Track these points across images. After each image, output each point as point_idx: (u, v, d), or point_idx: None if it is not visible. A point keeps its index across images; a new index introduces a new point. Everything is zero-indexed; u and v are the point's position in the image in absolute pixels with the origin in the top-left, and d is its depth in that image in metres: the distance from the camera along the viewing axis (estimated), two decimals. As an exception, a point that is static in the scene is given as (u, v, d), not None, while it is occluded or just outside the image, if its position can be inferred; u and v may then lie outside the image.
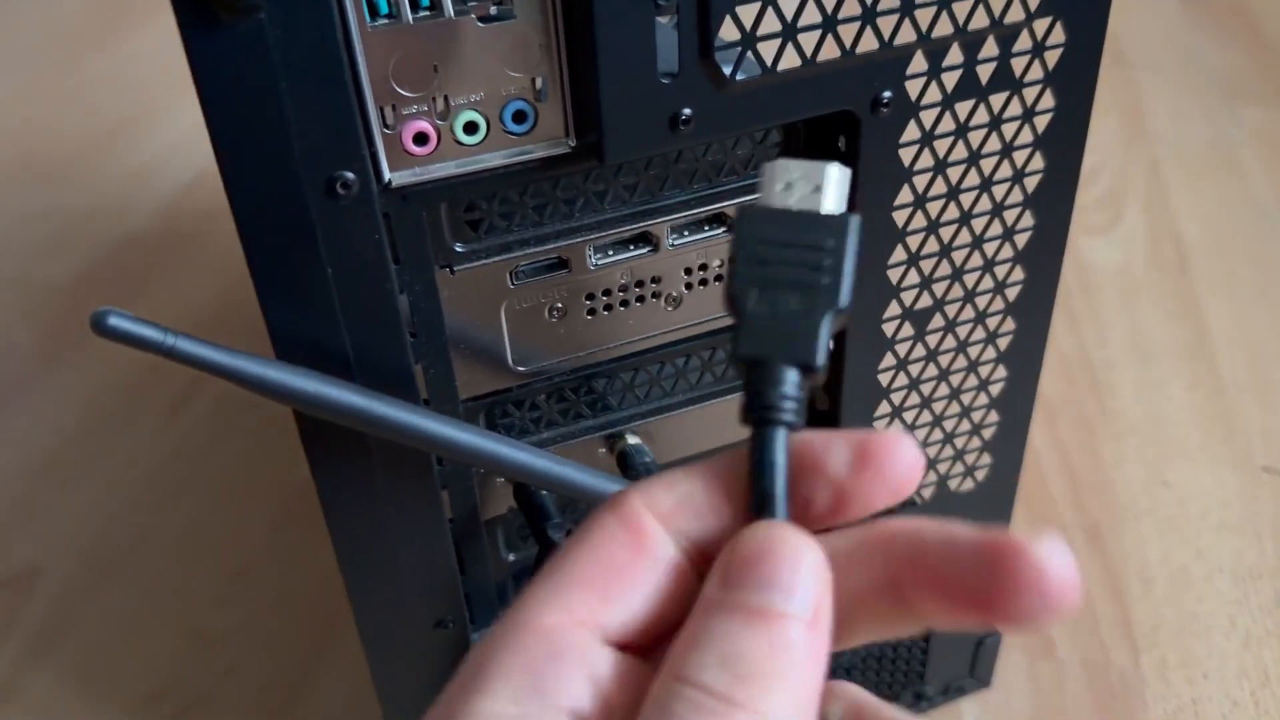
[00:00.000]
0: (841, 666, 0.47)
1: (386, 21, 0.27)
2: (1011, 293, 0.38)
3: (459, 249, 0.31)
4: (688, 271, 0.35)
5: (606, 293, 0.34)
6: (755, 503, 0.20)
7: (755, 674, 0.18)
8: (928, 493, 0.42)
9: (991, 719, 0.52)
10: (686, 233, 0.34)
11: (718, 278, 0.35)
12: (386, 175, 0.29)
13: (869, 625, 0.20)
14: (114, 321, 0.26)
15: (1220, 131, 0.95)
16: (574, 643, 0.19)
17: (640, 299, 0.35)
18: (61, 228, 0.92)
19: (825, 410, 0.39)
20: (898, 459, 0.21)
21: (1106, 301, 0.78)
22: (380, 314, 0.30)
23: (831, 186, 0.22)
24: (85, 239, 0.90)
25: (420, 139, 0.29)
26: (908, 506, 0.42)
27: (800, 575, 0.19)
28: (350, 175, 0.27)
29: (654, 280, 0.35)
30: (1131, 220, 0.86)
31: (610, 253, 0.34)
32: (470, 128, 0.29)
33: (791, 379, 0.21)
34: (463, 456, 0.30)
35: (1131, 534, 0.61)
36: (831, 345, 0.22)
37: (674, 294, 0.35)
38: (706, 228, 0.34)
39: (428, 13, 0.27)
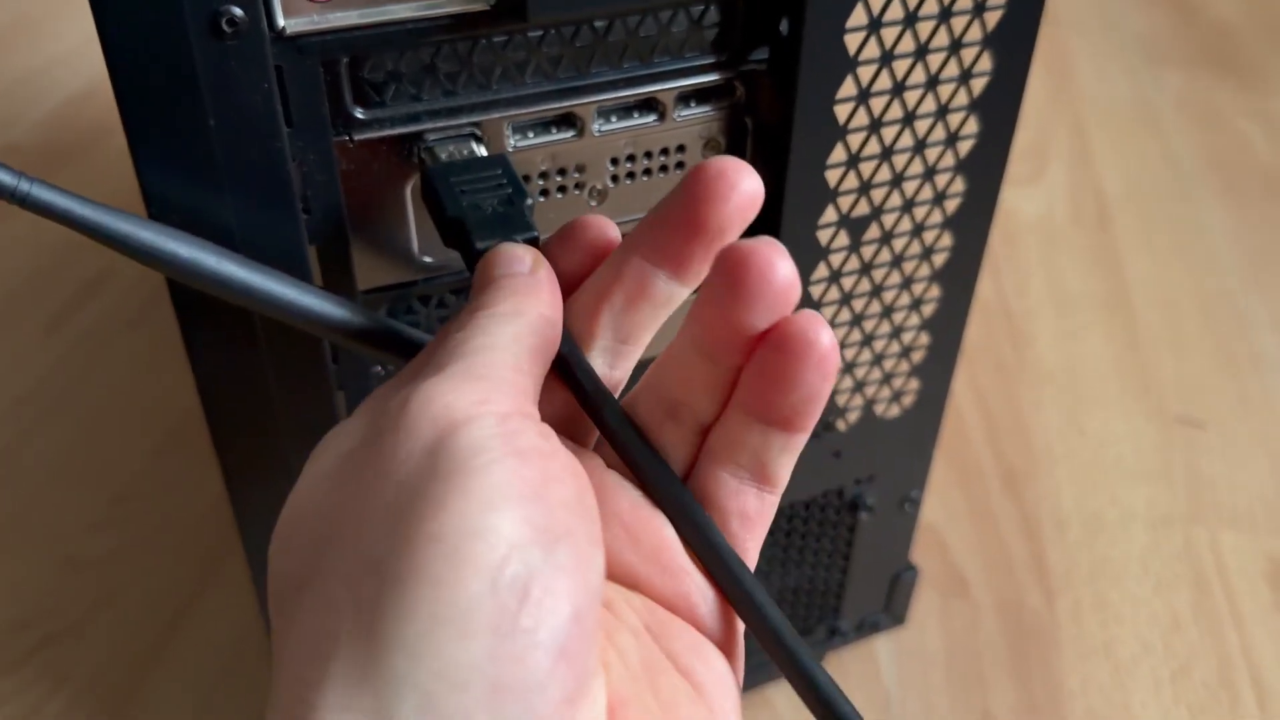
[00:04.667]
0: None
1: None
2: (951, 205, 0.36)
3: (360, 115, 0.28)
4: (614, 162, 0.32)
5: (525, 179, 0.31)
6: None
7: (478, 310, 0.23)
8: (853, 417, 0.40)
9: (906, 657, 0.51)
10: (615, 118, 0.32)
11: (646, 171, 0.33)
12: (280, 20, 0.25)
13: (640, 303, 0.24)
14: None
15: (1143, 92, 0.96)
16: None
17: (562, 189, 0.32)
18: (-66, 133, 0.85)
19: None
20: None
21: (1027, 251, 0.77)
22: (269, 181, 0.27)
23: (475, 145, 0.29)
24: (-41, 144, 0.83)
25: (319, -19, 0.25)
26: (830, 432, 0.40)
27: (514, 254, 0.24)
28: (238, 11, 0.24)
29: (577, 169, 0.32)
30: (1054, 174, 0.85)
31: (531, 134, 0.31)
32: (377, -28, 0.26)
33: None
34: (357, 342, 0.27)
35: (1047, 479, 0.60)
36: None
37: (598, 186, 0.33)
38: (636, 114, 0.32)
39: None
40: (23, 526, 0.55)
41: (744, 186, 0.22)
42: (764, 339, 0.22)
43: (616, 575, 0.23)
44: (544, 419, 0.23)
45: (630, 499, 0.24)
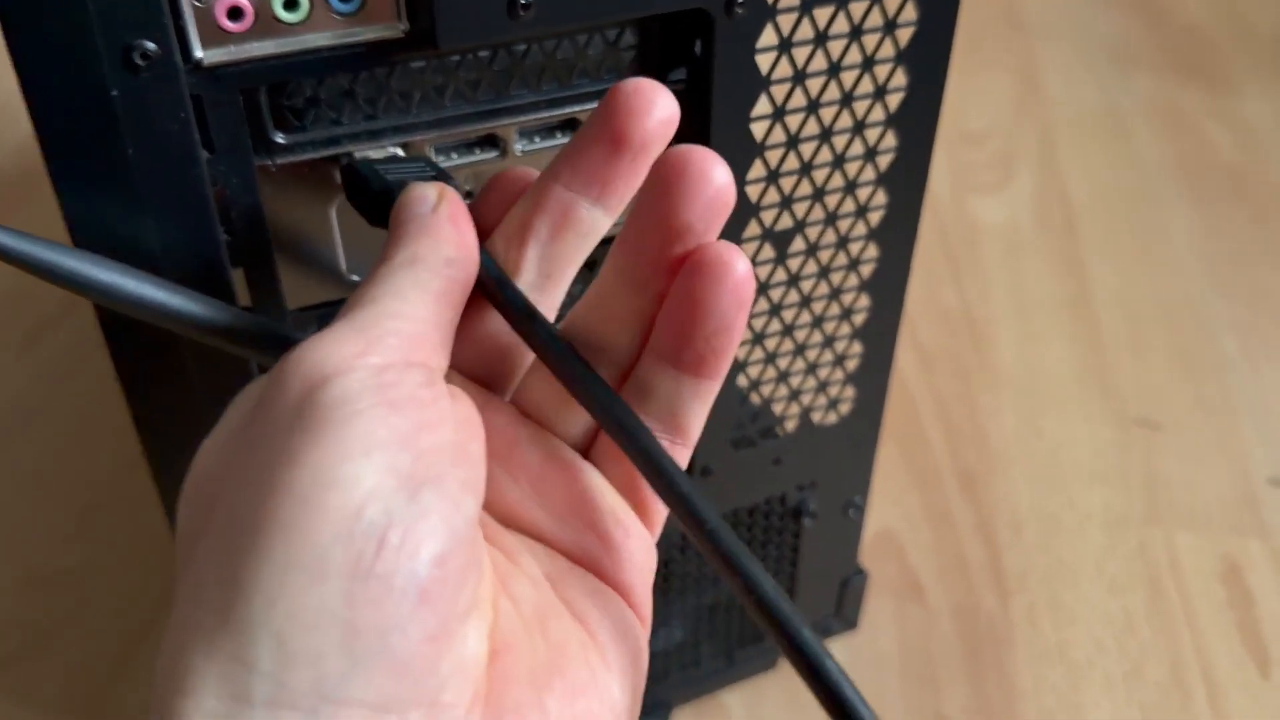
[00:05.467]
0: (707, 606, 0.46)
1: (189, -125, 0.24)
2: (874, 217, 0.37)
3: (280, 139, 0.29)
4: (538, 181, 0.33)
5: (450, 199, 0.32)
6: None
7: (381, 260, 0.23)
8: (791, 425, 0.41)
9: (858, 660, 0.52)
10: (537, 138, 0.33)
11: (571, 190, 0.34)
12: (197, 52, 0.26)
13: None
14: None
15: (1111, 98, 0.97)
16: None
17: (487, 208, 0.33)
18: (-88, 157, 0.86)
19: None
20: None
21: (991, 258, 0.78)
22: (190, 207, 0.28)
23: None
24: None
25: (234, 14, 0.26)
26: (769, 439, 0.41)
27: (417, 195, 0.24)
28: (151, 45, 0.25)
29: (502, 189, 0.33)
30: (1021, 181, 0.86)
31: (454, 155, 0.32)
32: (291, 4, 0.27)
33: None
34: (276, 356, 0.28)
35: (1003, 482, 0.61)
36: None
37: (524, 205, 0.33)
38: (558, 134, 0.33)
39: None
40: (-8, 542, 0.56)
41: (661, 102, 0.23)
42: (682, 264, 0.22)
43: (521, 526, 0.24)
44: (459, 364, 0.24)
45: (543, 452, 0.24)
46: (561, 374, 0.24)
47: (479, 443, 0.21)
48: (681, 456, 0.25)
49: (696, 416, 0.24)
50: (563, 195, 0.23)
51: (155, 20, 0.25)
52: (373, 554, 0.18)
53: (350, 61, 0.28)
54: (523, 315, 0.24)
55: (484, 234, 0.25)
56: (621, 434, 0.23)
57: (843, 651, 0.52)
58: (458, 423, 0.21)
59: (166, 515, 0.33)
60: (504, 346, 0.25)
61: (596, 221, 0.24)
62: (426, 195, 0.24)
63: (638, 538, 0.25)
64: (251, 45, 0.27)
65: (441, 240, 0.23)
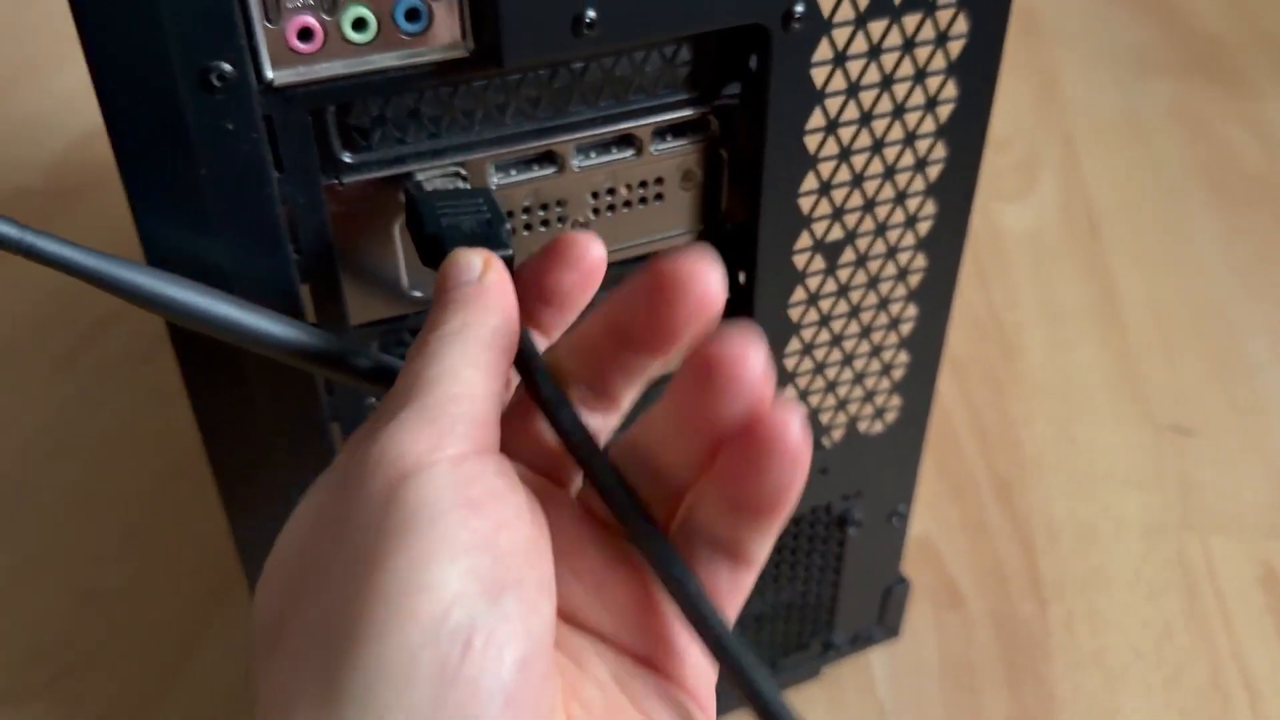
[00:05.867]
0: (752, 616, 0.46)
1: (266, -99, 0.25)
2: (923, 227, 0.37)
3: (347, 159, 0.30)
4: (594, 196, 0.34)
5: (509, 215, 0.33)
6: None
7: (429, 330, 0.23)
8: (838, 434, 0.41)
9: (900, 668, 0.52)
10: (594, 154, 0.33)
11: (626, 204, 0.34)
12: (268, 73, 0.27)
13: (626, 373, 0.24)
14: None
15: (1132, 102, 0.97)
16: None
17: (544, 223, 0.33)
18: (-55, 177, 0.87)
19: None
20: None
21: (1018, 265, 0.78)
22: (260, 225, 0.28)
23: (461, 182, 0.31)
24: (-31, 188, 0.85)
25: (305, 34, 0.27)
26: (817, 450, 0.41)
27: (463, 263, 0.25)
28: (226, 67, 0.25)
29: (559, 204, 0.33)
30: (1044, 186, 0.86)
31: (513, 172, 0.32)
32: (359, 24, 0.27)
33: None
34: (342, 374, 0.28)
35: (1039, 490, 0.61)
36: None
37: (579, 219, 0.34)
38: (614, 149, 0.33)
39: (312, -106, 0.25)
40: (40, 560, 0.57)
41: (699, 288, 0.22)
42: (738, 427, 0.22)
43: (585, 626, 0.24)
44: (523, 457, 0.24)
45: (605, 551, 0.24)
46: (594, 481, 0.24)
47: (546, 540, 0.22)
48: (744, 582, 0.24)
49: (760, 547, 0.23)
50: (615, 337, 0.23)
51: (231, 42, 0.25)
52: (458, 658, 0.19)
53: (416, 81, 0.28)
54: (549, 401, 0.24)
55: (532, 299, 0.25)
56: (661, 572, 0.23)
57: (885, 659, 0.52)
58: (529, 518, 0.21)
59: (230, 525, 0.34)
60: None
61: (649, 366, 0.24)
62: (472, 263, 0.25)
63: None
64: (321, 66, 0.27)
65: (490, 308, 0.24)
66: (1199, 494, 0.61)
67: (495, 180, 0.32)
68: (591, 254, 0.25)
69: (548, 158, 0.32)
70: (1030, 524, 0.59)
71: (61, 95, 0.97)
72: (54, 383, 0.67)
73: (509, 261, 0.26)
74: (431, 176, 0.31)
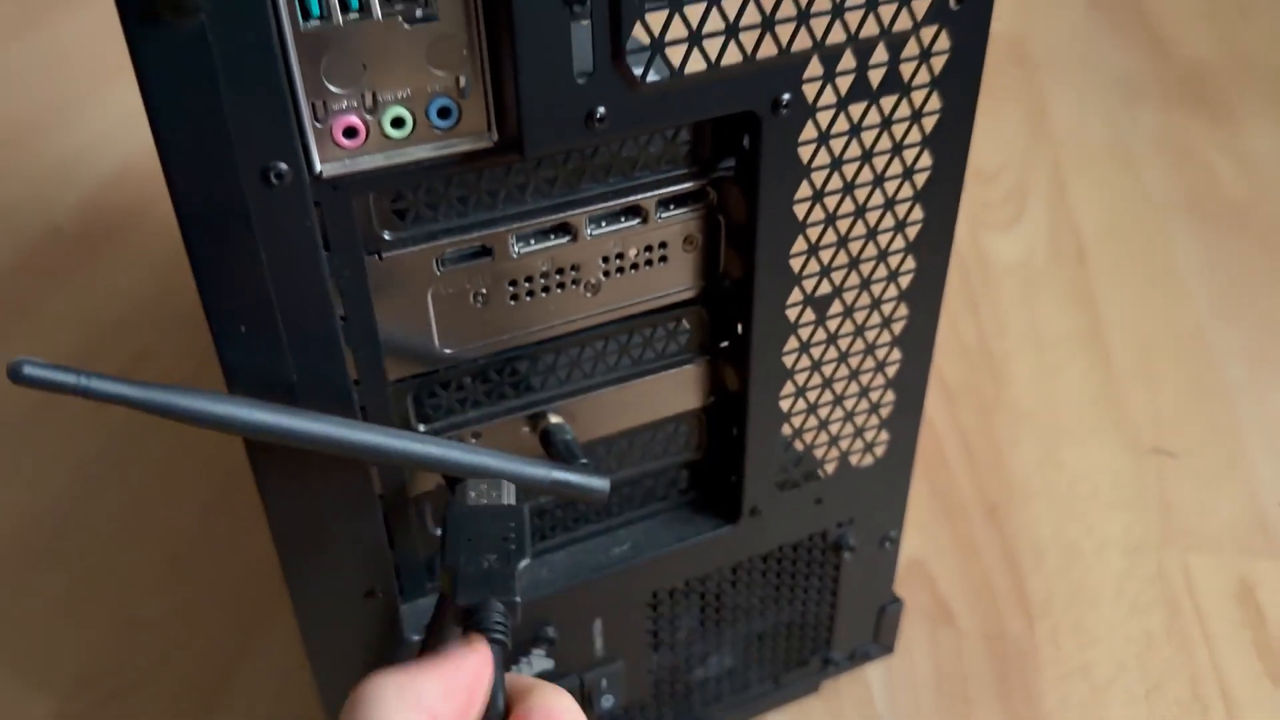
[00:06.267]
0: (754, 634, 0.50)
1: (318, 23, 0.28)
2: (904, 281, 0.41)
3: (387, 237, 0.33)
4: (605, 260, 0.37)
5: (529, 279, 0.36)
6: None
7: None
8: (831, 467, 0.45)
9: (896, 682, 0.55)
10: (604, 223, 0.37)
11: (634, 266, 0.38)
12: (318, 166, 0.30)
13: None
14: (29, 370, 0.28)
15: (1119, 131, 1.01)
16: None
17: (561, 285, 0.37)
18: (-16, 220, 0.91)
19: (735, 391, 0.41)
20: None
21: (1007, 294, 0.82)
22: (312, 297, 0.32)
23: (509, 488, 0.34)
24: (10, 231, 0.89)
25: (350, 132, 0.30)
26: (812, 481, 0.45)
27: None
28: (284, 165, 0.29)
29: (573, 268, 0.37)
30: (1033, 215, 0.90)
31: (532, 241, 0.36)
32: (397, 122, 0.31)
33: (499, 609, 0.30)
34: (396, 461, 0.33)
35: (1026, 511, 0.65)
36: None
37: (592, 281, 0.37)
38: (623, 219, 0.37)
39: (357, 15, 0.29)
40: (88, 590, 0.60)
41: None
42: None
43: None
44: None
45: None
46: None
47: None
48: None
49: None
50: None
51: (288, 145, 0.29)
52: None
53: (447, 168, 0.32)
54: None
55: None
56: None
57: (882, 674, 0.56)
58: None
59: (278, 548, 0.37)
60: None
61: None
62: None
63: None
64: (364, 159, 0.31)
65: None
66: (1179, 513, 0.65)
67: (516, 249, 0.35)
68: None
69: (563, 228, 0.36)
70: (1018, 544, 0.63)
71: (91, 137, 1.01)
72: (98, 418, 0.70)
73: (512, 608, 0.31)
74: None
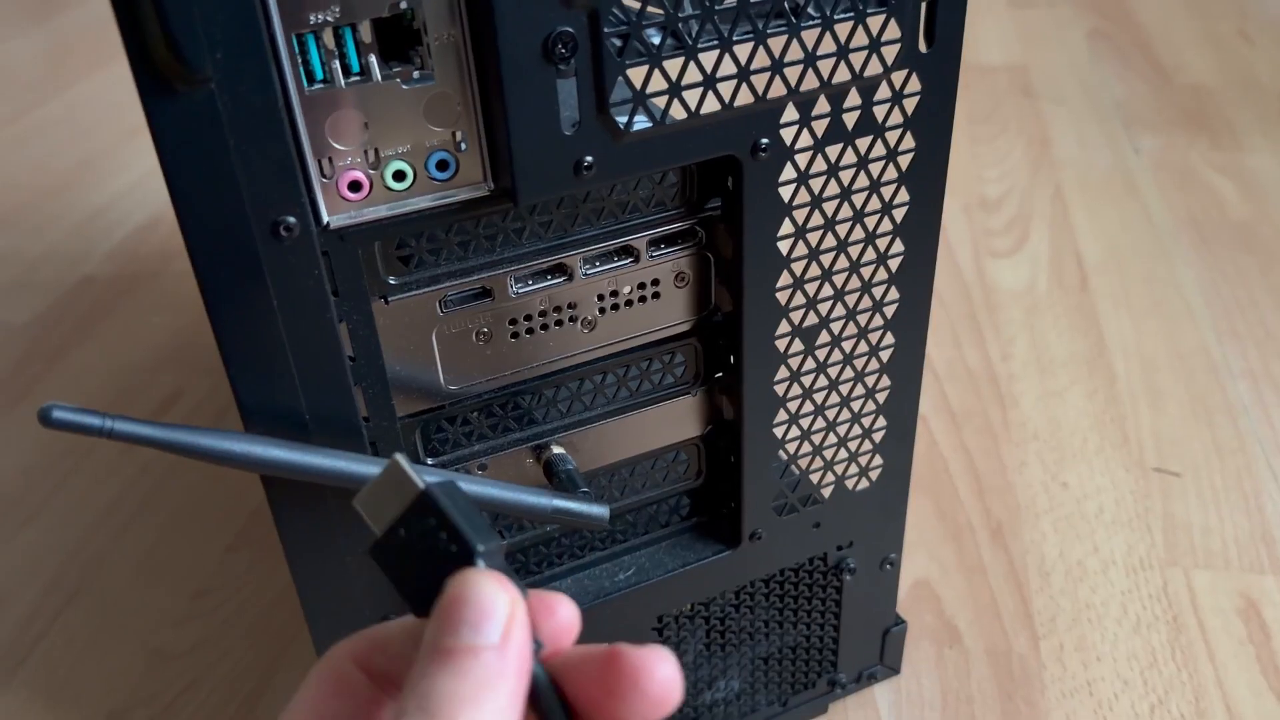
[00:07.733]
0: (760, 657, 0.51)
1: (322, 86, 0.31)
2: (889, 310, 0.42)
3: (392, 281, 0.35)
4: (600, 298, 0.39)
5: (528, 318, 0.38)
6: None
7: (444, 706, 0.21)
8: (828, 492, 0.46)
9: (904, 702, 0.56)
10: (598, 263, 0.39)
11: (628, 302, 0.40)
12: (325, 218, 0.33)
13: None
14: (58, 415, 0.30)
15: (1120, 158, 1.02)
16: None
17: (559, 323, 0.39)
18: (18, 272, 0.95)
19: (731, 420, 0.43)
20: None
21: (1011, 319, 0.83)
22: (322, 341, 0.34)
23: (407, 473, 0.25)
24: (42, 282, 0.93)
25: (354, 186, 0.33)
26: (810, 505, 0.47)
27: (483, 608, 0.22)
28: (292, 219, 0.31)
29: (570, 306, 0.39)
30: (1036, 242, 0.92)
31: (530, 282, 0.38)
32: (399, 175, 0.33)
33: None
34: None
35: (1031, 531, 0.66)
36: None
37: (589, 318, 0.39)
38: (615, 258, 0.39)
39: (358, 78, 0.31)
40: (117, 623, 0.63)
41: (657, 689, 0.23)
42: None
43: None
44: None
45: None
46: None
47: None
48: None
49: None
50: None
51: (296, 199, 0.31)
52: None
53: (447, 216, 0.34)
54: None
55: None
56: None
57: (890, 694, 0.57)
58: None
59: (295, 580, 0.39)
60: None
61: None
62: (490, 612, 0.22)
63: None
64: (368, 210, 0.33)
65: (513, 691, 0.22)
66: (1183, 532, 0.66)
67: (515, 290, 0.37)
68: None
69: (559, 269, 0.38)
70: (1024, 564, 0.64)
71: (119, 189, 1.04)
72: (126, 460, 0.73)
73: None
74: (463, 291, 0.36)
